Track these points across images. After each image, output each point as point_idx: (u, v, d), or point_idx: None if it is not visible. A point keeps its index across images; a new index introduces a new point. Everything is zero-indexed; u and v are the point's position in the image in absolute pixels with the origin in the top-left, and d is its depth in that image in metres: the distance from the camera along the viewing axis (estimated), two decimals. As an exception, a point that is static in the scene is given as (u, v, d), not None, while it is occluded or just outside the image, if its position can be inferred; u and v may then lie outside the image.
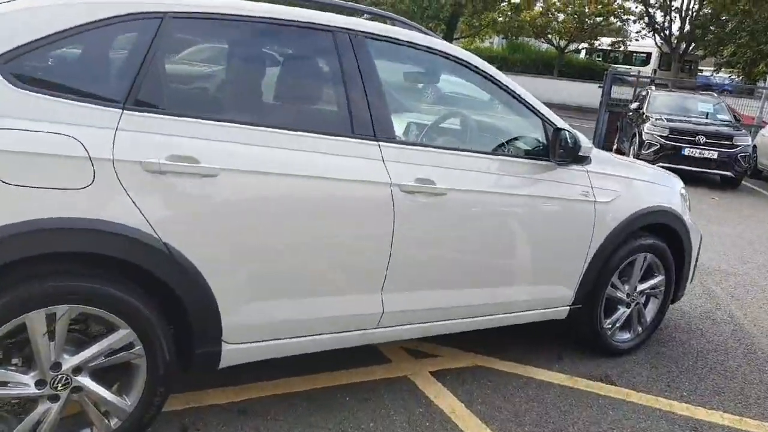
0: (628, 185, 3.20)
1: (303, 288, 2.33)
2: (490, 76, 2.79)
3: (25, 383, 1.91)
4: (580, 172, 2.96)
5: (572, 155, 2.81)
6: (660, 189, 3.44)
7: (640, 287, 3.37)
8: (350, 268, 2.42)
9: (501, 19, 26.62)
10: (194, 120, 2.04)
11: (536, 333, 3.41)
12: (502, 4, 26.20)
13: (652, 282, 3.41)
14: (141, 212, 1.93)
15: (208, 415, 2.45)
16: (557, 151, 2.77)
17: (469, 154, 2.71)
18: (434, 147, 2.68)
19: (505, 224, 2.78)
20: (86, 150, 1.85)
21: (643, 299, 3.44)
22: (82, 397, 2.01)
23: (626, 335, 3.42)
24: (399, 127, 2.74)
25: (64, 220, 1.82)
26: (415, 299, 2.60)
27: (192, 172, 2.00)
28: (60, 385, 1.95)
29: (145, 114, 1.97)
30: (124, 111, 1.94)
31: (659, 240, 3.33)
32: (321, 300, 2.38)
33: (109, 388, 2.06)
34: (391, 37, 2.56)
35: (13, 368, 1.91)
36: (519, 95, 2.84)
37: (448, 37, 21.47)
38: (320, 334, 2.42)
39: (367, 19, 2.70)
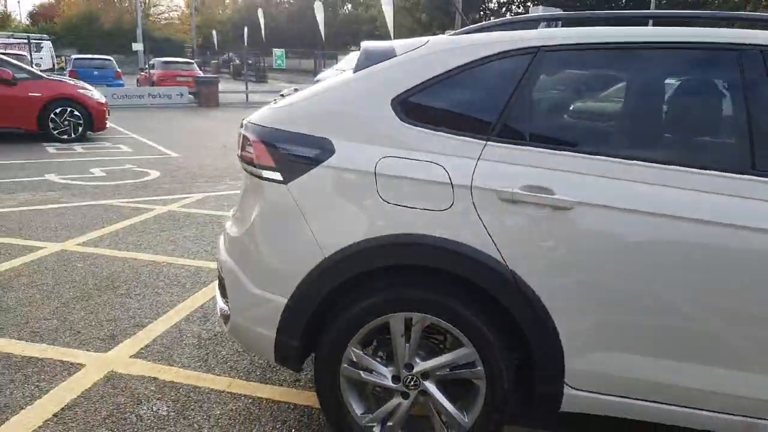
0: None
1: (666, 347, 2.00)
2: None
3: (384, 375, 2.20)
4: None
5: None
6: None
7: None
8: (733, 337, 1.96)
9: None
10: (555, 152, 2.02)
11: None
12: None
13: None
14: (491, 238, 2.00)
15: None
16: None
17: None
18: None
19: None
20: (449, 177, 2.03)
21: None
22: (428, 402, 2.20)
23: None
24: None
25: (427, 237, 2.03)
26: None
27: (545, 203, 1.97)
28: (411, 384, 2.18)
29: (506, 145, 2.05)
30: (488, 142, 2.06)
31: None
32: (695, 368, 1.99)
33: (452, 401, 2.19)
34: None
35: (378, 359, 2.23)
36: None
37: None
38: (684, 407, 2.03)
39: None
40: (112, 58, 23.50)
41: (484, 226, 2.01)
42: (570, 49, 2.13)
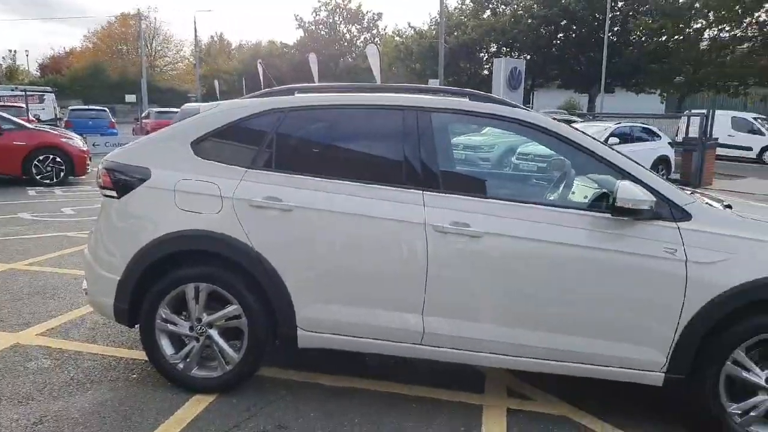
0: (752, 247, 2.79)
1: (354, 299, 3.06)
2: (550, 131, 3.06)
3: (184, 326, 3.23)
4: (666, 229, 2.82)
5: (635, 208, 2.76)
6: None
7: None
8: (390, 289, 3.03)
9: None
10: (286, 174, 3.11)
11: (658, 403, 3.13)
12: None
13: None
14: (244, 231, 3.07)
15: (278, 385, 3.38)
16: (615, 204, 2.78)
17: (514, 203, 3.00)
18: (477, 196, 3.05)
19: (543, 272, 2.92)
20: (220, 191, 3.11)
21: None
22: (212, 344, 3.22)
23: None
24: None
25: (204, 231, 3.10)
26: (454, 326, 2.98)
27: (276, 207, 3.05)
28: (200, 332, 3.21)
29: (259, 171, 3.14)
30: (248, 170, 3.15)
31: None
32: (371, 311, 3.04)
33: (229, 344, 3.22)
34: (452, 109, 3.17)
35: (181, 318, 3.26)
36: (587, 147, 2.98)
37: None
38: (374, 339, 3.07)
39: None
40: (106, 109, 25.05)
41: (240, 223, 3.08)
42: (304, 109, 3.25)
